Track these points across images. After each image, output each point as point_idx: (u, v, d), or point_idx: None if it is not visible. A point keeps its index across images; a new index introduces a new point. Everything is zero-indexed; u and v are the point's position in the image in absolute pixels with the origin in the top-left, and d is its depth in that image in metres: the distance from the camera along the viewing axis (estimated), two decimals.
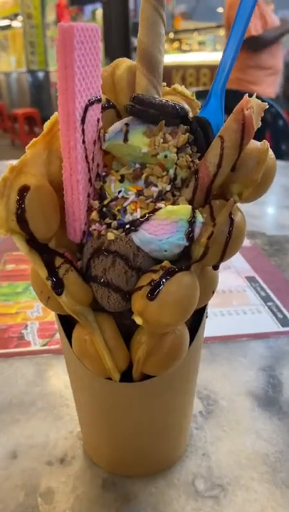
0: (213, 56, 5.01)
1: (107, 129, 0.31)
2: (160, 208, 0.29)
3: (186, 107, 0.35)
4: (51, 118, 0.30)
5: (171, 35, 6.16)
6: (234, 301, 0.63)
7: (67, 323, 0.33)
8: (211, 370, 0.49)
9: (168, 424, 0.36)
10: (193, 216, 0.29)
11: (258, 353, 0.52)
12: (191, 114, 0.35)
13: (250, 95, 0.29)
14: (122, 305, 0.30)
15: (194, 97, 0.36)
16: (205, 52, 5.29)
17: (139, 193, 0.30)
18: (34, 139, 0.30)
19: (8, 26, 8.54)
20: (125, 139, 0.30)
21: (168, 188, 0.30)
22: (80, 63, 0.27)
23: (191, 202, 0.30)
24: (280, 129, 1.92)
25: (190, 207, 0.29)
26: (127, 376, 0.32)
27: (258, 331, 0.56)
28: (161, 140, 0.29)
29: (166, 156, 0.30)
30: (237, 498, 0.35)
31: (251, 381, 0.47)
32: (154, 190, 0.30)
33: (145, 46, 0.33)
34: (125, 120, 0.31)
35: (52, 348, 0.53)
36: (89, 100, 0.29)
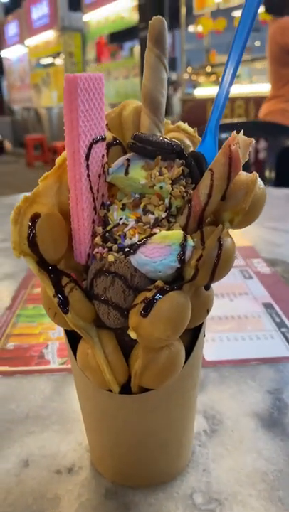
0: (247, 88, 5.08)
1: (108, 162, 0.35)
2: (156, 233, 0.32)
3: (188, 142, 0.39)
4: (61, 155, 0.34)
5: (208, 69, 6.31)
6: (249, 327, 0.65)
7: (75, 338, 0.36)
8: (219, 392, 0.50)
9: (167, 438, 0.38)
10: (185, 240, 0.32)
11: (267, 376, 0.53)
12: (191, 149, 0.38)
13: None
14: (121, 321, 0.33)
15: (196, 134, 0.40)
16: (240, 85, 5.38)
17: (138, 220, 0.33)
18: (46, 173, 0.34)
19: (51, 64, 8.99)
20: (126, 172, 0.34)
21: (164, 215, 0.33)
22: (84, 107, 0.31)
23: (185, 228, 0.33)
24: None
25: (182, 232, 0.32)
26: (126, 389, 0.35)
27: (268, 355, 0.57)
28: (158, 173, 0.33)
29: (161, 187, 0.33)
30: None
31: (257, 403, 0.49)
32: (151, 218, 0.33)
33: (148, 90, 0.37)
34: (127, 156, 0.34)
35: (69, 366, 0.56)
36: (93, 139, 0.32)
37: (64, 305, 0.32)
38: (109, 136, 0.36)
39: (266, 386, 0.51)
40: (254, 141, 0.33)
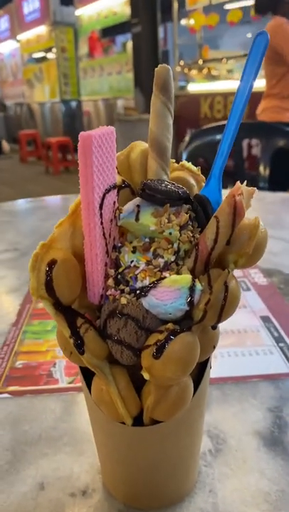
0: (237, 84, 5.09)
1: (122, 205, 0.37)
2: (166, 277, 0.34)
3: (192, 181, 0.41)
4: (75, 201, 0.36)
5: (200, 62, 6.30)
6: (248, 342, 0.67)
7: (88, 371, 0.39)
8: (222, 410, 0.53)
9: (176, 464, 0.40)
10: (194, 285, 0.34)
11: (267, 394, 0.56)
12: (195, 188, 0.40)
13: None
14: (134, 360, 0.35)
15: (200, 172, 0.42)
16: (232, 81, 5.38)
17: (148, 263, 0.35)
18: (60, 220, 0.36)
19: (43, 59, 8.94)
20: (137, 219, 0.36)
21: (172, 258, 0.35)
22: (98, 162, 0.33)
23: (192, 270, 0.35)
24: None
25: (190, 277, 0.34)
26: (138, 421, 0.37)
27: (268, 372, 0.60)
28: (166, 220, 0.35)
29: (170, 233, 0.35)
30: None
31: (259, 421, 0.51)
32: (160, 261, 0.35)
33: (155, 135, 0.39)
34: (137, 202, 0.36)
35: (77, 385, 0.58)
36: (106, 189, 0.34)
37: (79, 346, 0.34)
38: (118, 179, 0.38)
39: (267, 404, 0.54)
40: (255, 190, 0.35)
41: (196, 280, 0.34)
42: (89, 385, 0.38)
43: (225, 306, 0.34)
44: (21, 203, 1.65)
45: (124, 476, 0.41)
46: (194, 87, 5.71)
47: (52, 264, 0.34)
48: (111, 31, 7.01)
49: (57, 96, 8.30)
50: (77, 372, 0.61)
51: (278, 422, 0.51)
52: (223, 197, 0.35)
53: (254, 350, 0.65)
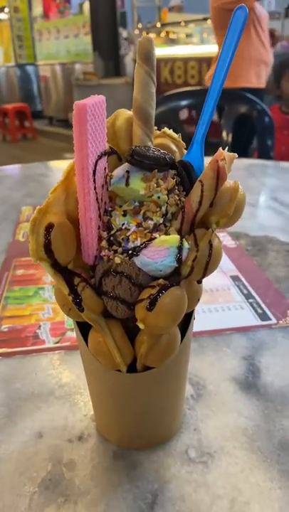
0: (200, 49, 5.05)
1: (111, 172, 0.40)
2: (155, 238, 0.37)
3: (174, 147, 0.43)
4: (67, 167, 0.39)
5: (158, 25, 6.18)
6: (220, 299, 0.72)
7: (82, 328, 0.42)
8: (200, 360, 0.58)
9: (165, 406, 0.44)
10: (181, 244, 0.37)
11: (240, 344, 0.61)
12: (177, 154, 0.43)
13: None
14: (128, 313, 0.38)
15: (180, 139, 0.44)
16: (192, 45, 5.33)
17: (138, 225, 0.38)
18: (55, 185, 0.38)
19: None
20: (127, 184, 0.38)
21: (161, 221, 0.38)
22: (92, 130, 0.35)
23: (179, 231, 0.38)
24: (266, 126, 2.00)
25: (178, 237, 0.37)
26: (132, 368, 0.41)
27: (240, 325, 0.65)
28: (155, 185, 0.38)
29: (159, 197, 0.38)
30: (222, 462, 0.44)
31: (234, 368, 0.56)
32: (150, 223, 0.38)
33: (140, 103, 0.41)
34: (126, 167, 0.39)
35: (64, 345, 0.62)
36: (98, 156, 0.37)
37: (79, 304, 0.37)
38: (106, 146, 0.40)
39: (240, 353, 0.59)
40: (236, 156, 0.38)
41: (184, 239, 0.37)
42: (84, 340, 0.41)
43: (209, 262, 0.38)
44: None
45: (118, 420, 0.45)
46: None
47: (49, 227, 0.36)
48: None
49: (11, 60, 7.96)
50: (62, 333, 0.64)
51: (252, 369, 0.56)
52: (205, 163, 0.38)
53: (226, 306, 0.70)
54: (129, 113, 0.43)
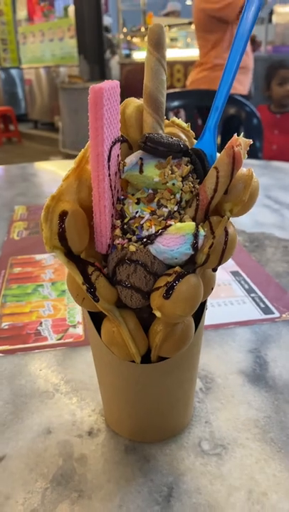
0: (185, 53, 5.08)
1: (122, 160, 0.39)
2: (170, 225, 0.37)
3: (183, 136, 0.43)
4: (79, 154, 0.38)
5: (142, 29, 6.19)
6: (222, 294, 0.72)
7: (94, 319, 0.41)
8: (206, 354, 0.57)
9: (177, 397, 0.44)
10: (197, 231, 0.37)
11: (245, 337, 0.61)
12: (187, 143, 0.43)
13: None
14: (142, 302, 0.38)
15: (189, 128, 0.44)
16: (177, 49, 5.35)
17: (152, 213, 0.38)
18: (67, 173, 0.37)
19: None
20: (140, 171, 0.38)
21: (175, 208, 0.38)
22: (107, 115, 0.34)
23: (193, 219, 0.38)
24: (254, 127, 2.01)
25: (194, 223, 0.37)
26: (146, 359, 0.40)
27: (243, 318, 0.65)
28: (170, 171, 0.37)
29: (173, 184, 0.37)
30: (236, 453, 0.43)
31: (241, 361, 0.56)
32: (164, 211, 0.38)
33: (150, 91, 0.40)
34: (139, 154, 0.38)
35: (67, 341, 0.60)
36: (112, 142, 0.36)
37: (93, 293, 0.37)
38: None
39: (246, 346, 0.59)
40: (251, 141, 0.38)
41: (200, 226, 0.37)
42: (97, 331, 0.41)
43: (225, 249, 0.37)
44: None
45: (131, 413, 0.44)
46: (140, 55, 5.63)
47: (63, 215, 0.36)
48: None
49: None
50: (64, 329, 0.63)
51: (258, 361, 0.56)
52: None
53: (228, 300, 0.69)
54: (139, 101, 0.42)
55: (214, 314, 0.66)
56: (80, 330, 0.63)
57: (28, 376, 0.55)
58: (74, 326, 0.64)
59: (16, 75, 7.90)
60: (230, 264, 0.81)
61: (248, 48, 2.87)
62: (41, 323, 0.65)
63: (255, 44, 3.06)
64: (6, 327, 0.64)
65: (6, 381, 0.54)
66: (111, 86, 0.34)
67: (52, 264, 0.82)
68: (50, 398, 0.51)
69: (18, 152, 6.42)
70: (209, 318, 0.65)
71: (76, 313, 0.67)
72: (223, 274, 0.78)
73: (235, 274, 0.78)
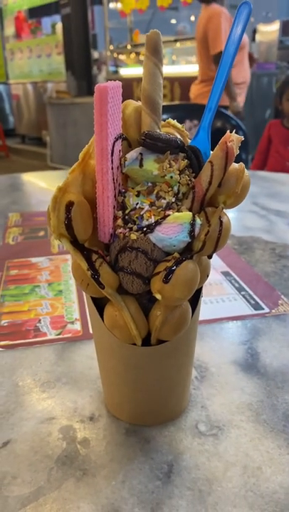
0: (170, 69, 5.18)
1: (122, 156, 0.42)
2: (169, 215, 0.40)
3: (178, 136, 0.46)
4: (83, 150, 0.41)
5: (129, 46, 6.30)
6: (214, 292, 0.74)
7: (96, 306, 0.43)
8: (200, 346, 0.60)
9: (176, 381, 0.46)
10: (194, 220, 0.39)
11: (237, 331, 0.63)
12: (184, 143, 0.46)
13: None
14: (143, 288, 0.40)
15: (184, 129, 0.47)
16: (163, 66, 5.45)
17: (151, 204, 0.41)
18: (73, 167, 0.40)
19: None
20: (140, 165, 0.41)
21: (173, 199, 0.41)
22: (111, 112, 0.37)
23: (190, 209, 0.41)
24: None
25: (191, 213, 0.40)
26: (146, 342, 0.42)
27: (235, 314, 0.67)
28: (168, 165, 0.40)
29: (171, 177, 0.40)
30: (231, 434, 0.46)
31: (234, 352, 0.59)
32: (163, 202, 0.40)
33: (148, 93, 0.44)
34: (139, 150, 0.41)
35: (65, 336, 0.63)
36: (115, 138, 0.39)
37: (97, 279, 0.39)
38: None
39: (238, 339, 0.62)
40: (243, 138, 0.41)
41: (196, 216, 0.40)
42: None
43: (220, 237, 0.40)
44: None
45: (131, 397, 0.46)
46: (127, 72, 5.73)
47: (70, 205, 0.38)
48: (38, 12, 6.81)
49: None
50: (63, 326, 0.65)
51: (251, 352, 0.58)
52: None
53: (220, 298, 0.72)
54: (137, 103, 0.45)
55: (207, 310, 0.69)
56: (78, 326, 0.65)
57: (29, 368, 0.56)
58: (72, 323, 0.66)
59: (4, 90, 7.95)
60: (220, 265, 0.84)
61: (246, 63, 2.98)
62: (40, 320, 0.67)
63: (252, 60, 3.19)
64: (6, 324, 0.66)
65: (7, 373, 0.55)
66: (115, 86, 0.38)
67: (48, 266, 0.84)
68: (51, 388, 0.53)
69: (6, 166, 6.44)
70: (202, 314, 0.68)
71: (74, 311, 0.69)
72: (214, 274, 0.81)
73: (225, 274, 0.81)
